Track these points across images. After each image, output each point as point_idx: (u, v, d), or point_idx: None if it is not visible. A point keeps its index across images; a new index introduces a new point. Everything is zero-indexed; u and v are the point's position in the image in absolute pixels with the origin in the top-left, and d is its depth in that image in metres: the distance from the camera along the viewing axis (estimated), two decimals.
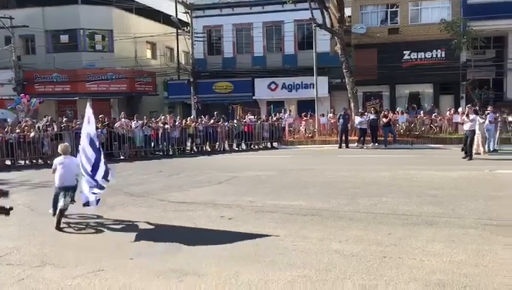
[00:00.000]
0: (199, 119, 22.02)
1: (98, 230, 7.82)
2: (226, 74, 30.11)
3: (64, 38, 31.16)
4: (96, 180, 7.87)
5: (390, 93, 28.27)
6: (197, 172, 14.25)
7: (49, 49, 31.15)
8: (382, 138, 20.39)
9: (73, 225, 8.11)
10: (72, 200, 8.13)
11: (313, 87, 24.62)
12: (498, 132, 18.09)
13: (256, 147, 22.12)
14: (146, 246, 6.71)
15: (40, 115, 24.86)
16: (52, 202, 8.26)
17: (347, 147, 20.34)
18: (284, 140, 23.07)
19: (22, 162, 18.21)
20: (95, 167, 7.91)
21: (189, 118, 23.04)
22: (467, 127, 15.62)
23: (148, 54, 35.27)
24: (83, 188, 8.06)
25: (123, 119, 20.65)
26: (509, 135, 18.63)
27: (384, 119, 20.46)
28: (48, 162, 17.90)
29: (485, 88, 28.49)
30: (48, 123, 19.20)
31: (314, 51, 24.09)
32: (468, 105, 17.64)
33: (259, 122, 22.41)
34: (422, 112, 23.93)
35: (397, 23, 27.59)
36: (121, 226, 8.00)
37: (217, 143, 21.48)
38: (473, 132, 15.53)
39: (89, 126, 8.37)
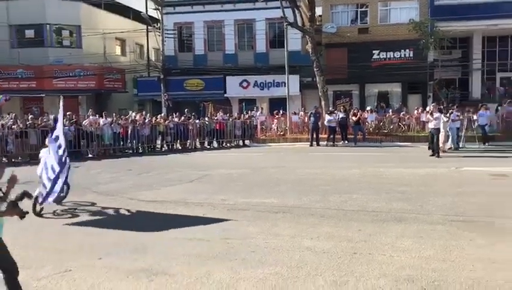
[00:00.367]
0: (169, 117, 21.78)
1: (65, 230, 7.62)
2: (197, 71, 29.89)
3: (29, 33, 30.24)
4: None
5: (360, 92, 28.65)
6: (168, 170, 14.09)
7: (13, 44, 30.19)
8: (352, 136, 20.64)
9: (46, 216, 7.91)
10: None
11: (285, 86, 24.72)
12: (464, 130, 18.58)
13: (228, 145, 22.06)
14: (115, 246, 6.57)
15: (3, 112, 24.09)
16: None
17: (318, 144, 20.51)
18: (255, 138, 23.08)
19: None
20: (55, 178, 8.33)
21: (159, 115, 22.76)
22: (431, 125, 15.99)
23: (118, 50, 34.66)
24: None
25: (91, 117, 20.23)
26: (474, 133, 19.11)
27: (353, 118, 20.71)
28: (13, 160, 17.42)
29: (451, 87, 29.26)
30: (12, 120, 18.60)
31: (285, 49, 24.18)
32: (433, 104, 18.03)
33: (231, 120, 22.34)
34: (390, 110, 24.34)
35: (367, 23, 27.98)
36: (89, 225, 7.82)
37: (188, 141, 21.30)
38: (438, 130, 15.91)
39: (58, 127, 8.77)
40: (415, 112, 23.12)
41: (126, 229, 7.48)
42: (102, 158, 18.12)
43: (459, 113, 18.27)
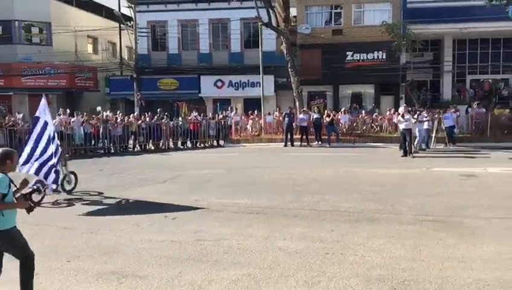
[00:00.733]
0: (142, 116, 21.51)
1: (30, 231, 7.40)
2: (171, 70, 29.55)
3: None
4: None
5: (334, 93, 28.88)
6: (140, 171, 13.90)
7: None
8: (326, 137, 20.78)
9: None
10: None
11: (259, 86, 24.73)
12: (434, 131, 18.93)
13: (202, 145, 21.91)
14: (84, 248, 6.43)
15: None
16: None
17: (292, 145, 20.58)
18: (230, 138, 23.01)
19: None
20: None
21: (131, 114, 22.44)
22: (403, 126, 16.26)
23: (90, 48, 34.02)
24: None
25: (62, 116, 19.81)
26: (444, 134, 19.49)
27: (327, 119, 20.87)
28: None
29: (423, 89, 29.80)
30: None
31: (260, 49, 24.19)
32: (404, 105, 18.33)
33: (205, 120, 22.21)
34: (364, 111, 24.61)
35: (341, 24, 28.19)
36: (57, 227, 7.63)
37: (161, 141, 21.07)
38: (410, 130, 16.24)
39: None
40: (388, 113, 23.45)
41: (95, 231, 7.33)
42: (72, 158, 17.69)
43: (426, 115, 18.64)
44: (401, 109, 17.24)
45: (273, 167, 14.15)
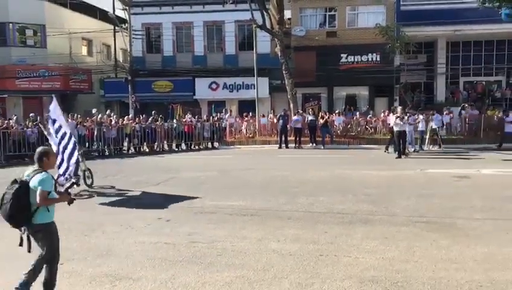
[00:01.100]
0: (137, 119, 21.46)
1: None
2: (165, 72, 29.53)
3: None
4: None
5: (328, 95, 28.93)
6: (134, 173, 13.87)
7: None
8: (320, 139, 20.82)
9: None
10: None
11: (254, 88, 24.75)
12: (428, 133, 19.02)
13: (197, 147, 21.90)
14: (78, 251, 6.41)
15: None
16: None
17: (286, 147, 20.61)
18: (224, 140, 23.00)
19: None
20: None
21: (126, 117, 22.39)
22: (397, 127, 16.34)
23: (84, 50, 33.92)
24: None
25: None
26: (439, 136, 19.58)
27: (321, 120, 20.90)
28: None
29: (417, 91, 29.90)
30: None
31: (254, 52, 24.21)
32: (400, 107, 18.39)
33: (199, 122, 22.19)
34: (358, 113, 24.68)
35: (335, 26, 28.27)
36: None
37: (156, 143, 21.03)
38: (404, 132, 16.35)
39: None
40: (382, 115, 23.52)
41: (89, 233, 7.31)
42: None
43: (416, 117, 18.75)
44: (397, 111, 17.33)
45: (267, 169, 14.16)
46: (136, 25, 29.67)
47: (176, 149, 21.50)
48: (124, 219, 8.12)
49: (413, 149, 18.06)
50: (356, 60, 27.78)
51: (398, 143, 16.41)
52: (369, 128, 22.88)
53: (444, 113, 21.71)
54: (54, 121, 10.74)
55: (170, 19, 29.49)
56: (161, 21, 29.69)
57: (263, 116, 24.35)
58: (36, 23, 29.60)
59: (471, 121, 21.67)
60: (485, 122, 21.26)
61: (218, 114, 24.58)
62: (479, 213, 8.02)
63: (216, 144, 22.50)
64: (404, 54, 25.66)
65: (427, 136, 19.01)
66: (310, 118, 21.11)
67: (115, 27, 31.43)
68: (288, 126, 21.15)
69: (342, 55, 27.64)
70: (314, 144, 20.80)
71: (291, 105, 23.84)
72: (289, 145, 20.72)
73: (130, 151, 20.37)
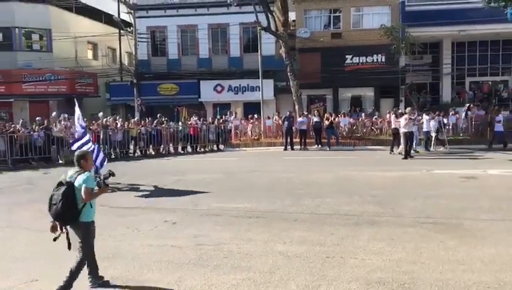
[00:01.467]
0: (142, 122, 21.52)
1: (31, 237, 7.41)
2: (170, 75, 29.60)
3: None
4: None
5: (333, 96, 28.89)
6: (141, 176, 13.90)
7: None
8: (326, 140, 20.78)
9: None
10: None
11: (259, 90, 24.75)
12: (433, 133, 18.95)
13: (202, 149, 21.91)
14: None
15: None
16: None
17: (292, 149, 20.58)
18: (230, 142, 23.01)
19: None
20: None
21: (132, 120, 22.47)
22: (406, 128, 16.30)
23: (90, 54, 34.08)
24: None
25: (63, 122, 19.83)
26: (445, 136, 19.51)
27: (326, 122, 20.86)
28: None
29: (423, 92, 29.81)
30: None
31: (259, 54, 24.23)
32: (409, 108, 18.32)
33: (205, 124, 22.22)
34: (363, 114, 24.62)
35: (340, 28, 28.25)
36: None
37: (162, 146, 21.08)
38: (412, 133, 16.33)
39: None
40: (387, 116, 23.44)
41: (96, 236, 7.31)
42: (72, 164, 17.70)
43: (420, 117, 18.71)
44: (406, 111, 17.31)
45: (273, 171, 14.14)
46: (141, 28, 29.84)
47: (182, 152, 21.54)
48: (130, 222, 8.14)
49: (417, 150, 18.01)
50: (361, 61, 27.73)
51: (406, 143, 16.38)
52: (374, 130, 22.82)
53: (450, 113, 21.62)
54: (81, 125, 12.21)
55: (175, 22, 29.59)
56: (166, 24, 29.78)
57: (268, 118, 24.35)
58: (42, 28, 29.80)
59: (478, 122, 21.56)
60: (491, 123, 21.11)
61: (224, 116, 24.60)
62: (487, 214, 7.97)
63: (221, 146, 22.51)
64: (410, 55, 25.59)
65: (433, 137, 18.93)
66: (315, 119, 21.07)
67: (120, 31, 31.58)
68: (293, 128, 21.13)
69: (347, 56, 27.60)
70: (319, 146, 20.77)
71: (297, 107, 23.83)
72: (294, 147, 20.69)
73: (136, 154, 20.42)
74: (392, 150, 17.91)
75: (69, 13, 31.64)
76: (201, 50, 29.99)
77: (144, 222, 8.10)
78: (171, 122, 21.76)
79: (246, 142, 22.95)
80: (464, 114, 22.10)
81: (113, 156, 19.69)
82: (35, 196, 11.05)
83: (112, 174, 5.43)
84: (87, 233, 5.08)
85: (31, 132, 18.21)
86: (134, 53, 30.51)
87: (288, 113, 21.58)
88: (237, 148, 22.27)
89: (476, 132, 21.39)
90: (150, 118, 22.10)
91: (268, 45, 26.56)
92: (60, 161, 18.28)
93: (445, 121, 20.34)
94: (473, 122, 21.61)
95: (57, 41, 29.27)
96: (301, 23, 28.34)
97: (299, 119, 21.26)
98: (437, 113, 20.20)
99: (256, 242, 6.68)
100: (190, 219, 8.28)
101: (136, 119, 23.21)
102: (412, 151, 16.66)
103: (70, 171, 5.14)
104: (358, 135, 22.31)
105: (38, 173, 15.49)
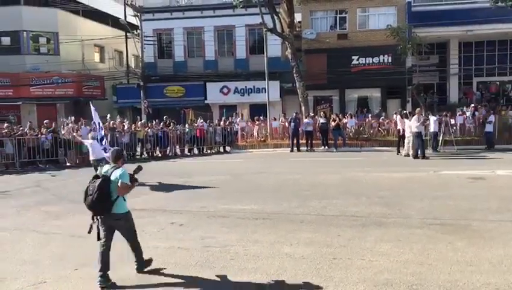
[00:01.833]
0: (149, 124, 21.59)
1: (39, 239, 7.45)
2: (177, 77, 29.69)
3: (5, 40, 29.66)
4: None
5: (340, 97, 28.84)
6: (147, 178, 13.90)
7: None
8: (332, 142, 20.73)
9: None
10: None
11: (265, 92, 24.75)
12: (441, 134, 18.86)
13: (209, 151, 21.94)
14: (92, 256, 6.43)
15: None
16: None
17: (298, 150, 20.55)
18: (236, 144, 23.01)
19: None
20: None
21: (139, 122, 22.54)
22: (416, 129, 16.26)
23: (96, 57, 34.27)
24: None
25: (70, 125, 19.95)
26: (452, 137, 19.41)
27: (333, 123, 20.80)
28: None
29: (430, 92, 29.67)
30: None
31: (265, 55, 24.23)
32: (418, 108, 18.26)
33: (211, 126, 22.25)
34: (370, 115, 24.54)
35: (346, 29, 28.21)
36: (65, 235, 7.66)
37: (168, 148, 21.12)
38: (420, 133, 16.31)
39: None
40: (394, 116, 23.34)
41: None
42: (80, 167, 17.82)
43: (435, 118, 18.61)
44: (417, 110, 17.29)
45: (279, 173, 14.13)
46: (148, 31, 29.94)
47: (188, 154, 21.58)
48: (137, 224, 8.07)
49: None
50: (367, 61, 27.67)
51: (417, 143, 16.36)
52: (381, 131, 22.73)
53: (458, 114, 21.50)
54: (99, 124, 13.57)
55: (181, 24, 29.67)
56: (172, 26, 29.88)
57: (274, 119, 24.33)
58: (49, 31, 30.01)
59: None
60: (499, 123, 20.98)
61: (230, 118, 24.62)
62: (495, 215, 7.91)
63: (228, 148, 22.53)
64: (416, 55, 25.50)
65: (440, 138, 18.83)
66: (322, 120, 21.02)
67: (126, 33, 31.73)
68: (299, 129, 21.10)
69: (353, 57, 27.56)
70: (326, 147, 20.72)
71: (303, 108, 23.81)
72: (301, 148, 20.67)
73: (142, 156, 20.48)
74: (398, 151, 17.84)
75: (76, 16, 31.83)
76: (207, 52, 30.04)
77: (150, 223, 8.11)
78: (178, 125, 21.77)
79: (252, 144, 22.94)
80: (470, 114, 21.96)
81: None
82: (43, 198, 11.12)
83: (140, 168, 5.86)
84: (127, 223, 5.60)
85: (39, 135, 18.32)
86: (140, 56, 30.63)
87: (294, 114, 21.55)
88: (243, 150, 22.27)
89: (483, 133, 21.20)
90: (156, 120, 22.15)
91: (274, 46, 26.56)
92: (68, 164, 18.39)
93: (452, 121, 20.25)
94: (480, 123, 21.43)
95: (64, 45, 29.49)
96: (307, 25, 28.33)
97: (305, 120, 21.23)
98: (444, 114, 20.10)
99: (263, 244, 6.67)
100: (197, 220, 8.28)
101: (142, 121, 23.28)
102: (418, 152, 16.55)
103: (106, 166, 5.69)
104: (365, 136, 22.23)
105: (46, 175, 15.57)
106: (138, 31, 30.61)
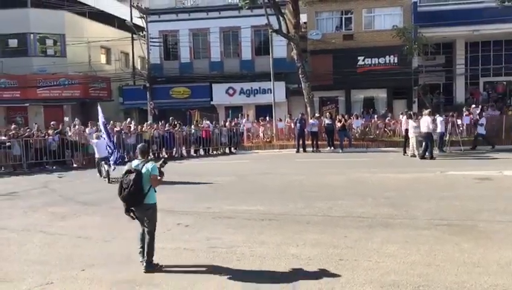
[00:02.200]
0: (155, 125, 21.65)
1: (47, 240, 7.48)
2: (183, 79, 29.74)
3: (13, 42, 29.89)
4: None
5: (345, 98, 28.77)
6: None
7: None
8: (338, 142, 20.68)
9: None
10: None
11: (271, 93, 24.73)
12: (448, 134, 18.78)
13: (215, 152, 21.97)
14: (98, 257, 6.48)
15: None
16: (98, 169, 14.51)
17: (304, 151, 20.52)
18: (242, 145, 23.02)
19: None
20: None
21: (145, 123, 22.61)
22: (425, 129, 16.22)
23: (103, 59, 34.39)
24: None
25: (77, 126, 20.04)
26: (458, 137, 19.31)
27: (338, 124, 20.75)
28: None
29: (436, 93, 29.55)
30: None
31: (271, 56, 24.22)
32: (428, 109, 18.19)
33: (217, 127, 22.28)
34: (376, 116, 24.45)
35: (351, 29, 28.16)
36: (71, 236, 7.69)
37: (174, 149, 21.17)
38: (430, 134, 16.25)
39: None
40: (400, 117, 23.24)
41: (110, 239, 7.38)
42: (87, 168, 17.89)
43: (442, 118, 18.51)
44: (427, 112, 17.23)
45: (285, 173, 14.12)
46: (154, 32, 30.02)
47: (194, 154, 21.62)
48: None
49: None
50: (373, 62, 27.58)
51: (427, 144, 16.31)
52: (387, 131, 22.63)
53: (464, 114, 21.38)
54: (105, 124, 14.57)
55: (187, 25, 29.71)
56: (178, 28, 29.92)
57: (280, 120, 24.31)
58: (56, 33, 30.18)
59: (492, 122, 21.26)
60: (506, 123, 20.84)
61: (236, 119, 24.63)
62: (502, 215, 7.87)
63: (233, 149, 22.54)
64: (422, 56, 25.41)
65: (447, 138, 18.75)
66: (327, 121, 20.98)
67: (132, 35, 31.84)
68: (305, 130, 21.06)
69: (359, 57, 27.48)
70: (332, 148, 20.68)
71: (309, 109, 23.77)
72: (307, 149, 20.64)
73: (149, 158, 20.48)
74: (405, 152, 17.77)
75: (83, 18, 31.99)
76: (213, 53, 30.06)
77: (156, 225, 8.11)
78: (183, 127, 21.82)
79: (258, 145, 22.93)
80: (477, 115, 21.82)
81: (126, 159, 19.81)
82: (50, 199, 11.18)
83: (166, 162, 6.40)
84: (154, 213, 6.00)
85: (46, 136, 18.41)
86: (146, 57, 30.71)
87: (300, 115, 21.53)
88: (249, 151, 22.27)
89: (490, 133, 21.08)
90: (162, 122, 22.22)
91: (279, 47, 26.55)
92: (74, 165, 18.47)
93: (458, 122, 20.16)
94: (472, 124, 21.28)
95: (70, 46, 29.64)
96: (313, 25, 28.30)
97: (310, 121, 21.18)
98: (450, 114, 20.00)
99: (269, 245, 6.66)
100: (203, 221, 8.30)
101: (149, 122, 23.35)
102: (426, 153, 16.46)
103: (135, 161, 6.14)
104: (371, 137, 22.14)
105: (53, 176, 15.65)
106: (144, 32, 30.69)
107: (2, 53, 29.79)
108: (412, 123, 16.82)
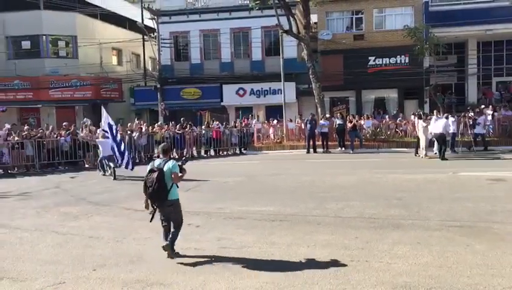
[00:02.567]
0: (165, 126, 21.74)
1: (59, 239, 7.55)
2: (193, 80, 29.88)
3: (25, 44, 30.21)
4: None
5: (356, 98, 28.67)
6: None
7: (9, 56, 30.16)
8: (349, 143, 20.60)
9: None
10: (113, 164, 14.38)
11: (281, 93, 24.72)
12: (460, 135, 18.61)
13: (225, 153, 22.01)
14: (110, 257, 6.52)
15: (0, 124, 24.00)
16: (99, 166, 15.35)
17: (315, 151, 20.46)
18: (252, 146, 23.02)
19: None
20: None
21: (156, 124, 22.72)
22: (438, 130, 16.10)
23: (114, 60, 34.64)
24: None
25: (89, 127, 20.15)
26: (470, 137, 19.13)
27: (349, 124, 20.65)
28: (9, 171, 17.35)
29: (448, 93, 29.30)
30: (7, 132, 18.42)
31: (281, 57, 24.21)
32: (436, 110, 18.06)
33: (227, 128, 22.31)
34: (387, 116, 24.31)
35: (362, 29, 28.06)
36: (83, 236, 7.75)
37: (185, 150, 21.24)
38: (443, 134, 16.11)
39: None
40: (412, 117, 23.08)
41: (121, 239, 7.42)
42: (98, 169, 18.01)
43: (453, 119, 18.37)
44: (435, 112, 17.13)
45: (295, 174, 14.10)
46: (164, 33, 30.20)
47: (205, 155, 21.68)
48: (154, 225, 8.17)
49: (434, 152, 17.65)
50: (384, 62, 27.46)
51: (441, 144, 16.21)
52: (399, 132, 22.48)
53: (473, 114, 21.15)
54: (110, 126, 14.42)
55: (197, 26, 29.84)
56: (189, 29, 30.06)
57: (290, 121, 24.27)
58: (68, 35, 30.47)
59: (505, 123, 21.03)
60: None
61: (246, 120, 24.64)
62: None
63: (244, 150, 22.55)
64: (434, 56, 25.19)
65: (459, 139, 18.58)
66: (338, 121, 20.90)
67: (143, 36, 32.06)
68: (316, 131, 21.01)
69: (369, 58, 27.37)
70: (342, 148, 20.59)
71: (319, 109, 23.71)
72: (317, 149, 20.58)
73: (171, 156, 20.57)
74: (416, 152, 17.64)
75: (94, 20, 32.23)
76: (223, 54, 30.16)
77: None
78: (194, 127, 21.91)
79: (269, 146, 22.91)
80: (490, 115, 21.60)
81: (137, 160, 19.93)
82: (62, 199, 11.28)
83: (187, 160, 6.85)
84: (178, 207, 6.43)
85: (58, 137, 18.58)
86: (157, 58, 30.88)
87: (310, 116, 21.48)
88: (259, 152, 22.25)
89: (503, 133, 20.87)
90: (173, 122, 22.31)
91: (290, 47, 26.56)
92: (86, 165, 18.60)
93: (470, 122, 19.95)
94: (500, 123, 21.08)
95: (82, 48, 29.90)
96: (323, 26, 28.25)
97: (321, 121, 21.12)
98: (463, 114, 19.82)
99: (280, 245, 6.66)
100: (213, 222, 8.31)
101: (159, 123, 23.46)
102: (444, 154, 16.31)
103: (158, 160, 6.44)
104: (383, 137, 21.97)
105: (65, 177, 15.78)
106: (155, 33, 30.86)
107: (16, 55, 30.16)
108: (421, 123, 16.69)
